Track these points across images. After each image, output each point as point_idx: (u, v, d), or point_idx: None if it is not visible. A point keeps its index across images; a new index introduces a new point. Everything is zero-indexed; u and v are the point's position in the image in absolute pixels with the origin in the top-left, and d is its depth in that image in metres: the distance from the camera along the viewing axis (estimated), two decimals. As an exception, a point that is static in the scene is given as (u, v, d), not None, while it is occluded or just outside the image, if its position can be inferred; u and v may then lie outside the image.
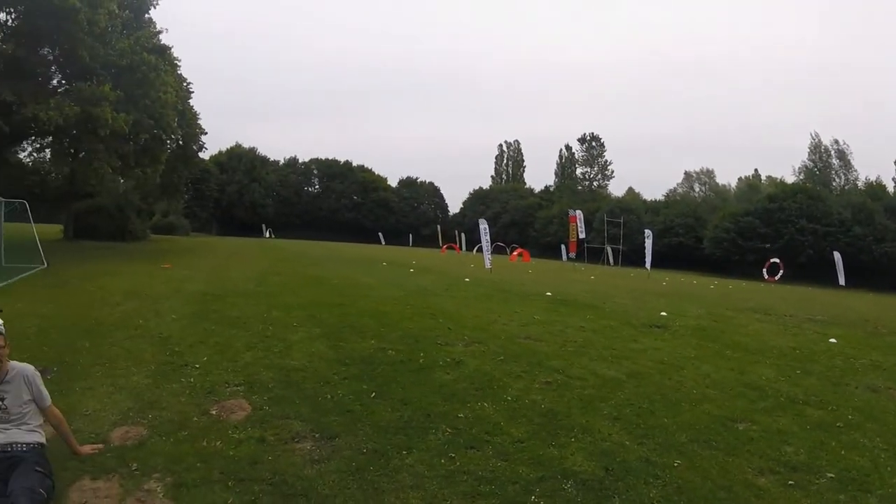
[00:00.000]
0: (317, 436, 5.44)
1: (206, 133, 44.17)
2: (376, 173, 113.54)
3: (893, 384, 9.01)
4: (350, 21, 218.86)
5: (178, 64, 36.88)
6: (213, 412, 5.93)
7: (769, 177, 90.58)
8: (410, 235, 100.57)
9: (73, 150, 32.85)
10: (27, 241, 20.47)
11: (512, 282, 24.55)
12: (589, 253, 55.81)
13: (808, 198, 65.87)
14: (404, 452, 5.15)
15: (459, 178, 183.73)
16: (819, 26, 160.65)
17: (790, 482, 4.99)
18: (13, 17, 25.33)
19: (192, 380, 6.92)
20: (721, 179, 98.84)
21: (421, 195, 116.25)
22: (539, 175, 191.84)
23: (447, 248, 73.58)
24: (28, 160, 40.79)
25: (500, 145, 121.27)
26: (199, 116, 42.94)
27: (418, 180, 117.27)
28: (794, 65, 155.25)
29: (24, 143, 34.39)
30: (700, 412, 6.82)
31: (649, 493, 4.65)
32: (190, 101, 41.40)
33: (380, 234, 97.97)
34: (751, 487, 4.86)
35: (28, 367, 4.57)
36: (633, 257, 59.10)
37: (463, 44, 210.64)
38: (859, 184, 78.21)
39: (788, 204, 65.52)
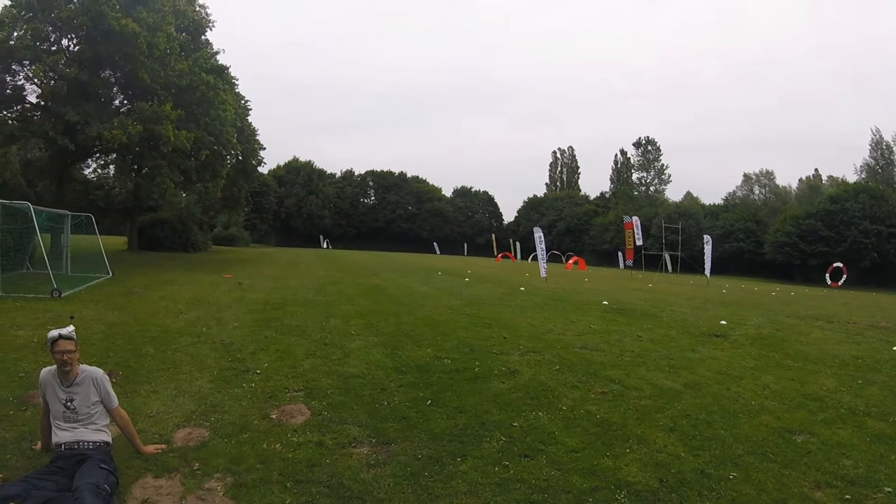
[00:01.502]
0: (373, 441, 5.55)
1: (264, 148, 45.08)
2: (430, 183, 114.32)
3: (960, 394, 8.74)
4: (404, 33, 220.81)
5: (236, 83, 37.83)
6: (274, 416, 6.09)
7: (830, 177, 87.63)
8: (465, 245, 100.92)
9: (136, 166, 33.95)
10: (93, 252, 21.17)
11: (568, 290, 24.44)
12: (647, 260, 55.09)
13: (871, 197, 63.34)
14: (459, 459, 5.22)
15: (514, 187, 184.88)
16: (877, 18, 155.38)
17: (847, 496, 4.90)
18: (75, 42, 26.30)
19: (253, 385, 7.12)
20: (781, 181, 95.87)
21: (475, 204, 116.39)
22: (594, 181, 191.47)
23: (502, 256, 73.69)
24: (93, 176, 42.25)
25: (554, 152, 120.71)
26: (258, 132, 43.88)
27: (472, 189, 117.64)
28: (854, 60, 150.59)
29: (89, 160, 35.53)
30: (758, 424, 6.72)
31: (703, 504, 4.62)
32: (248, 117, 42.37)
33: (435, 243, 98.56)
34: (806, 501, 4.78)
35: (97, 371, 4.81)
36: (691, 264, 58.13)
37: (517, 51, 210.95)
38: (923, 181, 75.11)
39: (851, 205, 63.13)
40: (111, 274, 19.26)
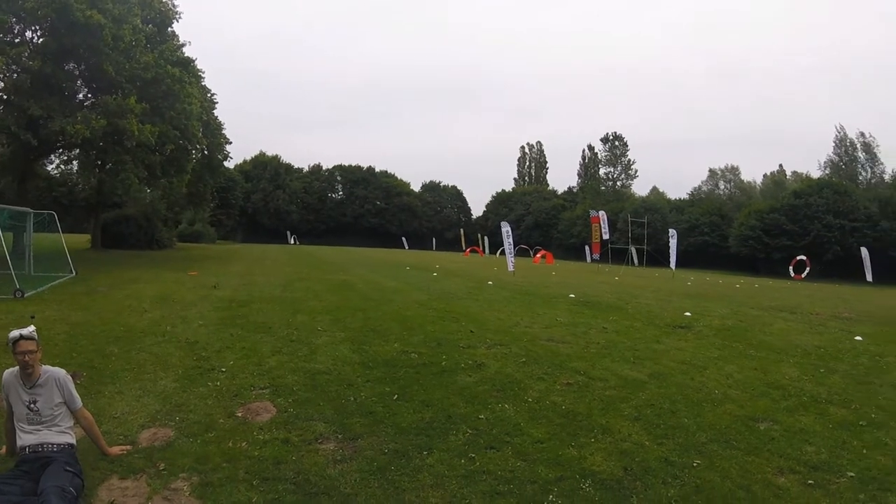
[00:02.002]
0: (340, 437, 5.53)
1: (230, 143, 44.43)
2: (399, 178, 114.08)
3: (920, 382, 8.94)
4: (373, 28, 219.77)
5: (202, 75, 37.33)
6: (239, 414, 6.04)
7: (795, 172, 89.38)
8: (434, 239, 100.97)
9: (100, 162, 33.33)
10: (56, 251, 20.78)
11: (535, 284, 24.59)
12: (613, 254, 55.50)
13: (835, 193, 64.86)
14: (425, 453, 5.22)
15: (482, 182, 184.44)
16: (843, 18, 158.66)
17: (810, 481, 5.00)
18: (39, 34, 25.77)
19: (218, 383, 7.04)
20: (746, 176, 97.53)
21: (444, 199, 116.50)
22: (562, 176, 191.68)
23: (470, 251, 73.85)
24: (56, 172, 41.47)
25: (523, 147, 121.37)
26: (224, 126, 43.31)
27: (441, 184, 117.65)
28: (819, 57, 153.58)
29: (52, 155, 34.89)
30: (721, 412, 6.83)
31: (667, 492, 4.68)
32: (214, 111, 41.81)
33: (403, 238, 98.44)
34: (770, 487, 4.86)
35: (60, 371, 4.71)
36: (657, 257, 58.73)
37: (486, 47, 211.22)
38: (886, 177, 76.61)
39: (814, 200, 64.65)
40: (74, 273, 18.91)
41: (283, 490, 4.43)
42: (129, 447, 5.07)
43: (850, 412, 7.12)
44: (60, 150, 33.69)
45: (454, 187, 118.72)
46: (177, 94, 29.03)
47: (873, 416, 7.00)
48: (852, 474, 5.19)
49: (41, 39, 25.50)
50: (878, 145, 77.88)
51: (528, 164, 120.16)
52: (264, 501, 4.28)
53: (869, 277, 48.99)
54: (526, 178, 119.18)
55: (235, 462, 4.88)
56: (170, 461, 4.84)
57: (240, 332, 10.24)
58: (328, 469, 4.82)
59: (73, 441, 4.59)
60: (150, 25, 29.60)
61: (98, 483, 4.44)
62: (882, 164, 77.87)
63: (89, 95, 29.76)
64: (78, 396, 4.75)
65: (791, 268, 56.08)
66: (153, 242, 43.42)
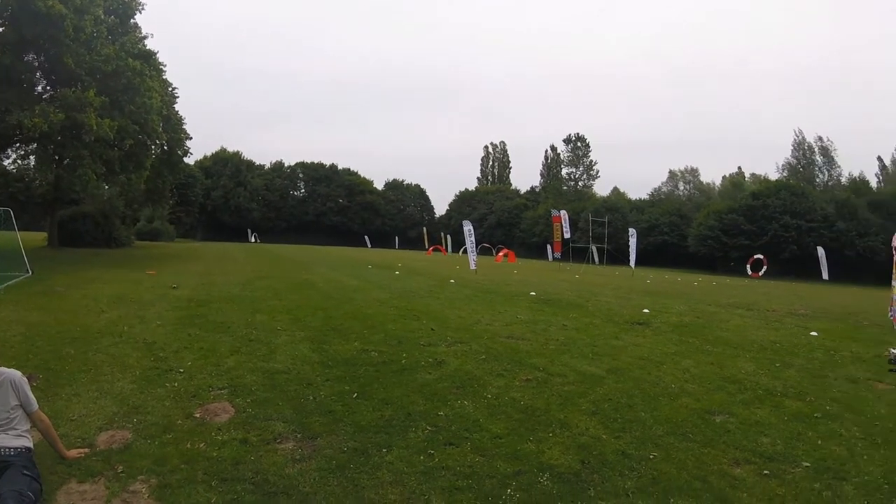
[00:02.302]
0: (299, 436, 5.49)
1: (191, 138, 43.77)
2: (362, 176, 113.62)
3: (874, 375, 9.20)
4: (336, 25, 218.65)
5: (164, 69, 36.70)
6: (198, 415, 5.96)
7: (753, 174, 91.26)
8: (396, 238, 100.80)
9: (57, 157, 32.52)
10: (12, 249, 20.34)
11: (497, 282, 24.70)
12: (574, 252, 56.03)
13: (792, 194, 66.47)
14: (384, 450, 5.22)
15: (446, 181, 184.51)
16: (803, 24, 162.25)
17: (765, 472, 5.10)
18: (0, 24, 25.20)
19: (176, 384, 6.94)
20: (705, 178, 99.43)
21: (407, 197, 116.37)
22: (525, 176, 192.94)
23: (433, 249, 73.81)
24: (12, 167, 40.50)
25: (486, 147, 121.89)
26: (185, 121, 42.67)
27: (404, 182, 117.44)
28: (778, 63, 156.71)
29: (9, 149, 34.10)
30: (678, 406, 6.94)
31: (624, 484, 4.74)
32: (175, 105, 41.13)
33: (366, 236, 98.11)
34: (726, 477, 4.95)
35: (15, 373, 4.59)
36: (618, 256, 59.36)
37: (450, 47, 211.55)
38: (843, 180, 79.02)
39: (772, 201, 66.14)
40: (31, 272, 18.50)
41: (241, 490, 4.39)
42: (86, 450, 4.97)
43: (805, 405, 7.27)
44: (17, 145, 32.96)
45: (417, 186, 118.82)
46: (137, 87, 28.53)
47: (828, 408, 7.17)
48: (807, 464, 5.30)
49: (1, 29, 24.89)
50: (835, 149, 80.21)
51: (491, 163, 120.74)
52: (223, 502, 4.24)
53: (825, 276, 50.18)
54: (489, 177, 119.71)
55: (194, 463, 4.82)
56: (128, 463, 4.76)
57: (198, 332, 10.10)
58: (287, 468, 4.79)
59: (31, 445, 4.48)
60: (112, 17, 29.08)
61: (56, 487, 4.35)
62: (839, 167, 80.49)
63: (48, 88, 29.17)
64: (34, 399, 4.63)
65: (748, 266, 57.06)
66: (111, 241, 42.61)
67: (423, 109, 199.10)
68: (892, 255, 11.42)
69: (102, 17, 26.97)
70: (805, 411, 6.97)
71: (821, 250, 52.06)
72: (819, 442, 5.91)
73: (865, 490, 4.84)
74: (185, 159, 48.81)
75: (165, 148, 40.27)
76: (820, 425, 6.46)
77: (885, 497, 4.73)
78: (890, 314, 11.71)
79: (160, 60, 34.72)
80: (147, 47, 32.06)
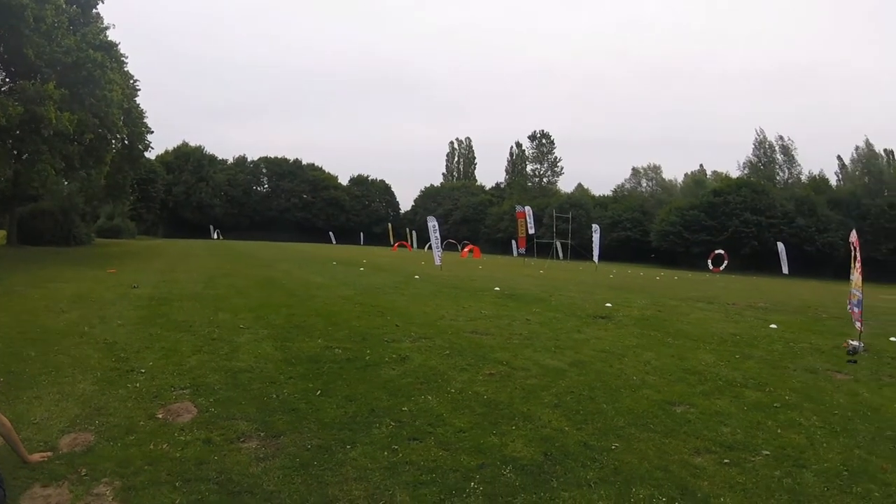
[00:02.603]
0: (262, 434, 5.47)
1: (152, 132, 43.14)
2: (327, 171, 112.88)
3: (832, 366, 9.42)
4: (300, 16, 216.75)
5: (125, 61, 36.10)
6: (160, 416, 5.90)
7: (715, 172, 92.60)
8: (362, 234, 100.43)
9: (16, 152, 31.88)
10: (-31, 249, 19.95)
11: (462, 278, 24.75)
12: (539, 248, 56.39)
13: (753, 191, 67.97)
14: (348, 447, 5.22)
15: (411, 176, 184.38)
16: (767, 23, 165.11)
17: (726, 460, 5.20)
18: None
19: (138, 385, 6.86)
20: (668, 175, 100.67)
21: (372, 193, 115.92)
22: (490, 172, 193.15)
23: (398, 245, 73.68)
24: (-30, 163, 39.57)
25: (452, 143, 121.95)
26: (146, 115, 42.01)
27: (369, 178, 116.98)
28: (741, 62, 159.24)
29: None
30: (639, 397, 7.04)
31: (587, 475, 4.80)
32: (136, 98, 40.47)
33: (331, 233, 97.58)
34: (687, 466, 5.05)
35: None
36: (581, 251, 59.79)
37: (415, 42, 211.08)
38: (803, 178, 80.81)
39: (733, 197, 67.53)
40: (-12, 271, 18.19)
41: (205, 490, 4.37)
42: (49, 453, 4.90)
43: (765, 395, 7.43)
44: (-26, 139, 32.28)
45: (383, 181, 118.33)
46: (97, 79, 27.99)
47: (787, 397, 7.32)
48: (767, 452, 5.42)
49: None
50: (795, 148, 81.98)
51: (456, 159, 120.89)
52: (187, 503, 4.21)
53: (785, 270, 51.20)
54: (454, 173, 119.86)
55: (157, 464, 4.78)
56: (91, 466, 4.71)
57: (160, 332, 9.96)
58: (251, 467, 4.77)
59: None
60: (73, 6, 28.49)
61: (20, 492, 4.29)
62: (799, 165, 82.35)
63: (7, 80, 28.50)
64: None
65: (709, 261, 57.87)
66: (71, 238, 41.74)
67: (388, 104, 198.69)
68: (851, 251, 11.66)
69: (64, 6, 26.41)
70: (765, 401, 7.11)
71: (781, 245, 53.10)
72: (779, 431, 6.03)
73: (825, 477, 4.95)
74: (146, 154, 48.21)
75: (126, 142, 39.62)
76: (779, 414, 6.59)
77: (845, 483, 4.84)
78: (848, 307, 11.96)
79: (122, 52, 34.19)
80: (108, 38, 31.50)
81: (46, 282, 16.90)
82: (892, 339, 12.21)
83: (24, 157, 29.91)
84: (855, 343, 10.75)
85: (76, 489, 4.36)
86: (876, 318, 15.80)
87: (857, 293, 11.32)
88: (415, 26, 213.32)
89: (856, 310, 11.36)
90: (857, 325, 11.26)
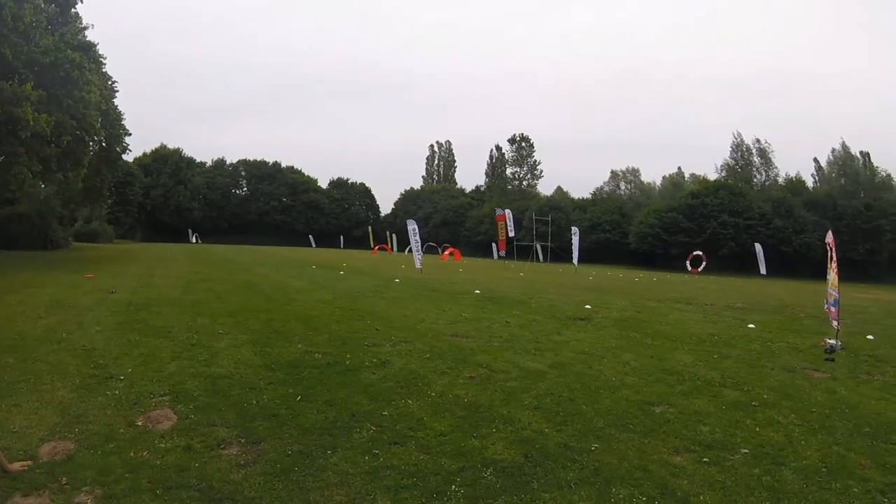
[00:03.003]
0: (243, 441, 5.45)
1: (130, 134, 42.61)
2: (306, 174, 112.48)
3: (810, 364, 9.56)
4: (278, 17, 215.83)
5: (104, 61, 35.71)
6: (140, 423, 5.86)
7: (693, 174, 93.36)
8: (342, 237, 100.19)
9: (-8, 154, 31.56)
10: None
11: (442, 281, 24.78)
12: (519, 251, 56.58)
13: (730, 194, 68.81)
14: (329, 452, 5.22)
15: (391, 179, 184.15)
16: (744, 27, 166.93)
17: (705, 459, 5.26)
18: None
19: (117, 392, 6.80)
20: (646, 178, 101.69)
21: (352, 196, 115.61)
22: (470, 175, 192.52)
23: (379, 249, 73.62)
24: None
25: (432, 146, 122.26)
26: (124, 116, 41.56)
27: (349, 181, 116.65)
28: (718, 67, 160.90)
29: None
30: (618, 398, 7.10)
31: (567, 476, 4.84)
32: (114, 100, 40.03)
33: (310, 236, 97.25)
34: (666, 466, 5.10)
35: None
36: (561, 254, 60.07)
37: (395, 44, 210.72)
38: (780, 180, 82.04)
39: (711, 200, 68.29)
40: (-38, 277, 17.96)
41: (186, 497, 4.35)
42: (29, 462, 4.84)
43: (743, 394, 7.52)
44: (-50, 142, 31.81)
45: (362, 184, 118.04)
46: (75, 80, 27.54)
47: (765, 396, 7.41)
48: (746, 451, 5.48)
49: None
50: (772, 151, 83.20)
51: (436, 162, 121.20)
52: (168, 510, 4.22)
53: (763, 271, 51.73)
54: (435, 176, 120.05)
55: (138, 472, 4.75)
56: (72, 475, 4.67)
57: (138, 338, 9.87)
58: (232, 474, 4.76)
59: None
60: (52, 6, 28.13)
61: (0, 502, 4.26)
62: (776, 168, 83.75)
63: (-18, 80, 28.16)
64: None
65: (688, 262, 58.39)
66: (47, 242, 41.32)
67: (368, 106, 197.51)
68: (828, 251, 11.82)
69: (42, 5, 26.09)
70: (743, 400, 7.20)
71: (758, 246, 53.63)
72: (757, 429, 6.11)
73: (804, 474, 5.02)
74: (124, 156, 47.58)
75: (104, 144, 39.04)
76: (758, 413, 6.68)
77: (824, 480, 4.91)
78: (825, 306, 12.12)
79: (100, 53, 33.81)
80: (87, 39, 31.14)
81: (23, 287, 16.72)
82: (869, 337, 12.42)
83: (1, 159, 29.51)
84: (832, 342, 10.88)
85: (57, 498, 4.33)
86: (852, 316, 16.04)
87: (834, 292, 11.47)
88: (394, 29, 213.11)
89: (833, 309, 11.51)
90: (834, 323, 11.41)
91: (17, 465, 4.74)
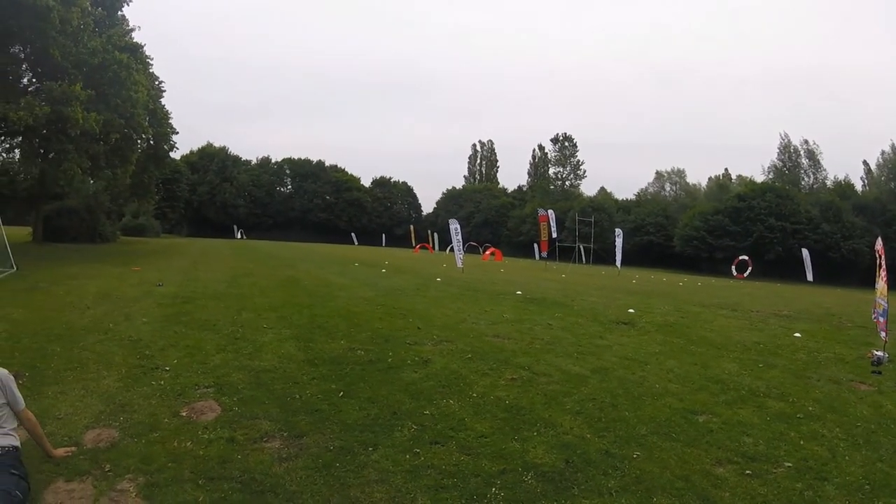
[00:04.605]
0: (285, 434, 5.51)
1: (177, 132, 43.45)
2: (349, 173, 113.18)
3: (856, 376, 9.27)
4: (325, 22, 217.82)
5: (150, 62, 36.46)
6: (184, 414, 5.96)
7: (739, 176, 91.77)
8: (384, 235, 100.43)
9: (42, 151, 32.14)
10: (-4, 244, 20.14)
11: (483, 281, 24.69)
12: (561, 252, 56.20)
13: (777, 196, 67.31)
14: (370, 449, 5.25)
15: (433, 178, 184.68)
16: (792, 27, 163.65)
17: (748, 471, 5.17)
18: (-17, 16, 24.85)
19: (162, 382, 6.93)
20: (691, 179, 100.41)
21: (394, 195, 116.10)
22: (512, 175, 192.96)
23: (420, 247, 73.71)
24: (-3, 161, 40.11)
25: (474, 145, 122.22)
26: (171, 115, 42.31)
27: (392, 180, 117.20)
28: (767, 65, 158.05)
29: (-6, 143, 33.86)
30: (661, 405, 7.00)
31: (608, 483, 4.80)
32: (161, 99, 40.77)
33: (352, 234, 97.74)
34: (708, 477, 5.02)
35: (2, 371, 4.51)
36: (604, 256, 59.55)
37: (440, 44, 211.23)
38: (828, 183, 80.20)
39: (757, 202, 66.94)
40: (15, 268, 18.30)
41: (228, 489, 4.42)
42: (73, 449, 4.96)
43: (788, 405, 7.34)
44: (2, 138, 32.65)
45: (405, 183, 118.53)
46: (123, 81, 28.26)
47: (810, 408, 7.24)
48: (789, 464, 5.38)
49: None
50: (821, 153, 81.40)
51: (479, 161, 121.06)
52: (210, 501, 4.27)
53: (810, 277, 50.61)
54: (476, 175, 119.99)
55: (181, 462, 4.83)
56: (115, 462, 4.77)
57: (184, 330, 10.05)
58: (274, 467, 4.82)
59: (18, 443, 4.42)
60: (99, 9, 28.79)
61: (43, 486, 4.36)
62: (825, 170, 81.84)
63: (34, 81, 28.81)
64: (21, 397, 4.57)
65: (733, 267, 57.44)
66: (96, 236, 42.16)
67: (411, 106, 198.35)
68: (876, 259, 11.50)
69: (89, 8, 26.71)
70: (787, 412, 7.04)
71: (805, 252, 52.47)
72: (801, 442, 5.98)
73: (847, 490, 4.91)
74: (171, 154, 48.47)
75: (151, 142, 39.98)
76: (802, 426, 6.52)
77: (867, 497, 4.80)
78: (873, 316, 11.82)
79: (147, 54, 34.55)
80: (134, 40, 31.83)
81: (71, 279, 17.09)
82: (918, 350, 12.06)
83: (51, 156, 30.19)
84: (879, 353, 10.58)
85: (99, 484, 4.43)
86: (902, 328, 15.62)
87: (883, 302, 11.17)
88: (437, 29, 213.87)
89: (881, 319, 11.20)
90: (882, 334, 11.10)
91: (61, 451, 4.85)
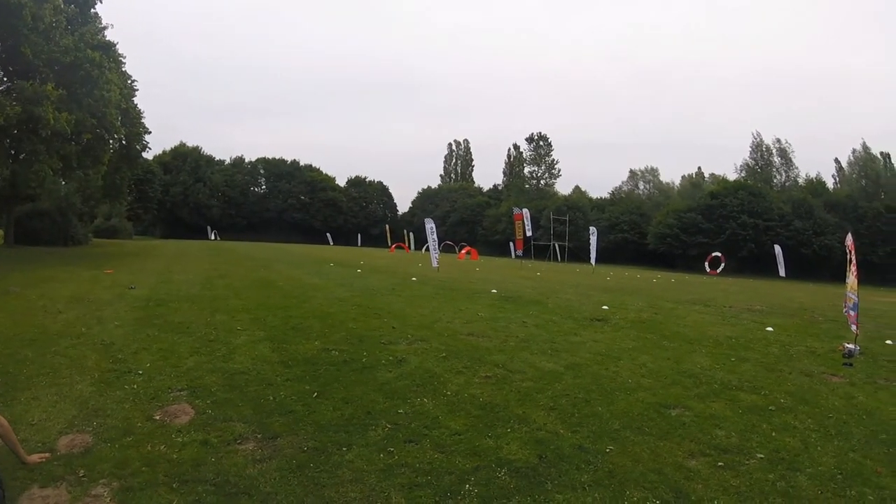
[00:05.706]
0: (259, 436, 5.50)
1: (149, 132, 42.91)
2: (324, 173, 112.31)
3: (828, 369, 9.46)
4: (300, 21, 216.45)
5: (123, 61, 36.04)
6: (157, 417, 5.93)
7: (712, 174, 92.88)
8: (359, 235, 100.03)
9: (13, 151, 31.69)
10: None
11: (459, 280, 24.73)
12: (536, 250, 56.56)
13: (750, 194, 68.32)
14: (344, 449, 5.26)
15: (409, 178, 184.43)
16: (764, 27, 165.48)
17: (720, 463, 5.25)
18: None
19: (135, 386, 6.88)
20: (665, 177, 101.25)
21: (370, 194, 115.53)
22: (488, 174, 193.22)
23: (396, 247, 73.56)
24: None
25: (450, 144, 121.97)
26: (143, 115, 41.87)
27: (367, 179, 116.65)
28: (740, 66, 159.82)
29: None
30: (634, 400, 7.08)
31: (581, 477, 4.85)
32: (134, 98, 40.36)
33: (328, 234, 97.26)
34: (681, 469, 5.09)
35: None
36: (579, 254, 60.07)
37: (413, 43, 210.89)
38: (800, 181, 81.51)
39: (730, 200, 67.90)
40: (-16, 272, 18.13)
41: (202, 492, 4.41)
42: (48, 455, 4.92)
43: (760, 398, 7.47)
44: (-28, 139, 32.22)
45: (380, 183, 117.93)
46: (95, 80, 27.90)
47: (782, 401, 7.37)
48: (762, 456, 5.47)
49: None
50: (793, 151, 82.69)
51: (454, 161, 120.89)
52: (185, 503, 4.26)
53: (782, 273, 51.16)
54: (452, 175, 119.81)
55: (155, 466, 4.81)
56: (89, 467, 4.74)
57: (157, 333, 9.97)
58: (248, 469, 4.81)
59: None
60: (72, 6, 28.40)
61: (18, 493, 4.32)
62: (797, 168, 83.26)
63: (4, 79, 28.38)
64: None
65: (707, 264, 57.96)
66: (68, 238, 41.59)
67: (386, 105, 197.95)
68: (847, 254, 11.70)
69: (62, 6, 26.33)
70: (760, 404, 7.16)
71: (778, 248, 53.04)
72: (773, 434, 6.08)
73: (819, 480, 5.00)
74: (144, 154, 47.94)
75: (123, 142, 39.45)
76: (774, 418, 6.63)
77: (839, 487, 4.89)
78: (844, 310, 12.02)
79: (119, 52, 34.13)
80: (107, 38, 31.41)
81: (43, 282, 16.88)
82: (888, 342, 12.27)
83: (22, 157, 29.80)
84: (850, 346, 10.78)
85: (74, 490, 4.40)
86: (872, 321, 15.91)
87: (853, 296, 11.37)
88: (413, 28, 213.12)
89: (851, 313, 11.41)
90: (853, 328, 11.31)
91: (35, 458, 4.80)
